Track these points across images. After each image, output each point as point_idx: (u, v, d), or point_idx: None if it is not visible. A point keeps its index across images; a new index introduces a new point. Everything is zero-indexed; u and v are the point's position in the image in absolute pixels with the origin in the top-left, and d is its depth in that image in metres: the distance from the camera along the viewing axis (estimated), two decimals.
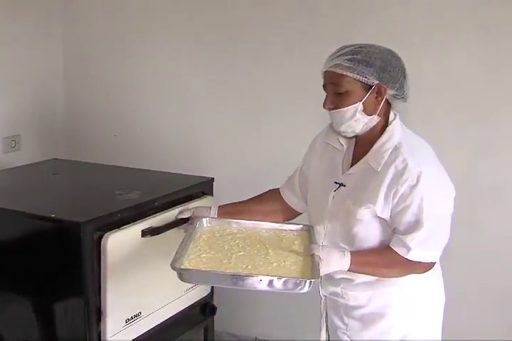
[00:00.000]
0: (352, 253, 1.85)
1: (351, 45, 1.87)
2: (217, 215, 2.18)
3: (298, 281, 1.70)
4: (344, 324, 2.05)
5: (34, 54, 3.38)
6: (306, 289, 1.70)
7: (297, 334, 3.33)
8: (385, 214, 1.87)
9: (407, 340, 1.98)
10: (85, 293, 2.16)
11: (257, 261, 1.85)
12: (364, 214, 1.88)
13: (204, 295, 2.65)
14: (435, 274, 2.02)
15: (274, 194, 2.29)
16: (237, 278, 1.74)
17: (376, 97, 1.86)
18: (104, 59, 3.49)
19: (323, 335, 2.16)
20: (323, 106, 1.91)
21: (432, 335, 2.05)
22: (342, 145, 2.01)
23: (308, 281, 1.69)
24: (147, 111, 3.44)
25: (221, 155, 3.29)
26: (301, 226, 2.10)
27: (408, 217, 1.84)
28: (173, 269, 1.76)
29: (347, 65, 1.82)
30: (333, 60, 1.85)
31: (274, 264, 1.83)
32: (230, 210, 2.21)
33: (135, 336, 2.30)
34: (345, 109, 1.85)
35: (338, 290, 2.03)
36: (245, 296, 3.24)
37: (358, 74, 1.82)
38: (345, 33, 2.92)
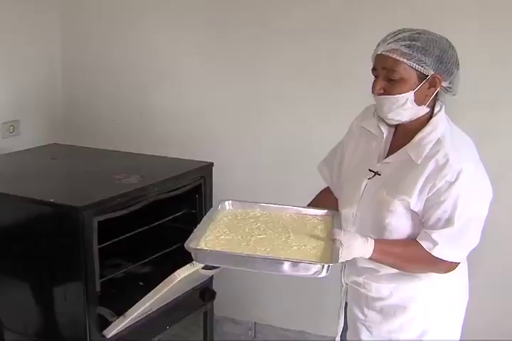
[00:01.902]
0: (376, 241, 1.80)
1: (409, 30, 1.79)
2: None
3: (315, 265, 1.66)
4: (364, 315, 2.00)
5: (32, 39, 3.35)
6: (323, 274, 1.65)
7: (296, 320, 3.35)
8: (418, 208, 1.82)
9: (425, 340, 1.95)
10: (84, 277, 2.16)
11: (277, 244, 1.81)
12: (397, 206, 1.83)
13: (204, 280, 2.65)
14: (461, 271, 1.98)
15: (325, 191, 2.22)
16: (252, 259, 1.71)
17: (429, 88, 1.80)
18: (102, 43, 3.46)
19: (341, 324, 2.11)
20: (372, 91, 1.82)
21: (452, 333, 2.01)
22: (381, 132, 1.94)
23: (326, 265, 1.65)
24: (146, 95, 3.42)
25: (221, 140, 3.27)
26: (325, 211, 2.04)
27: (439, 213, 1.79)
28: (188, 250, 1.73)
29: (405, 51, 1.74)
30: (389, 44, 1.77)
31: (294, 248, 1.78)
32: None
33: (135, 321, 2.30)
34: (396, 96, 1.78)
35: (360, 280, 1.98)
36: (244, 281, 3.25)
37: (415, 62, 1.74)
38: (346, 16, 2.91)
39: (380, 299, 1.96)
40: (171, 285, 2.10)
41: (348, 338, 2.10)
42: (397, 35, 1.78)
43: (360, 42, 2.83)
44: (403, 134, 1.89)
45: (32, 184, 2.44)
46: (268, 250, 1.76)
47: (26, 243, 2.27)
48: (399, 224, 1.86)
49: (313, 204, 2.17)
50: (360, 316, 2.01)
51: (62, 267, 2.21)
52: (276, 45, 3.08)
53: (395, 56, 1.75)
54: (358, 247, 1.77)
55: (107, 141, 3.30)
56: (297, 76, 3.07)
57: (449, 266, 1.86)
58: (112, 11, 3.41)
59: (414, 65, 1.75)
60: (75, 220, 2.11)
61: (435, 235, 1.79)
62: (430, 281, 1.92)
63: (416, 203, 1.81)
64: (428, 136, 1.83)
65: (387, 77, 1.78)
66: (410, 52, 1.74)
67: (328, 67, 3.00)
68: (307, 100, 3.07)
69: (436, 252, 1.80)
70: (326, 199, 2.16)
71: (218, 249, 1.77)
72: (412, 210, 1.83)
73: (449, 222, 1.78)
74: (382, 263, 1.88)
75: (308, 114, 3.09)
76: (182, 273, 2.09)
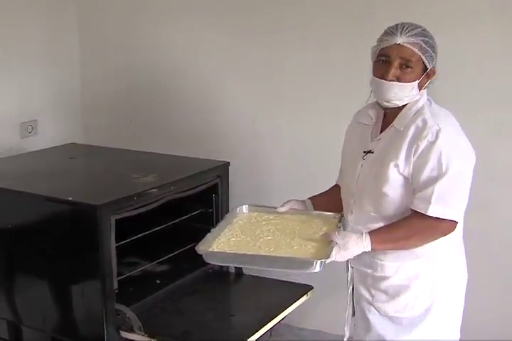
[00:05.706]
0: (370, 233, 1.94)
1: (417, 26, 1.96)
2: (313, 207, 2.24)
3: (308, 261, 1.83)
4: (371, 295, 2.10)
5: (50, 39, 3.39)
6: (317, 269, 1.82)
7: (312, 319, 3.35)
8: (407, 172, 1.94)
9: (430, 316, 2.03)
10: (102, 274, 2.18)
11: (281, 244, 1.96)
12: (391, 172, 1.95)
13: None
14: (460, 248, 2.10)
15: (331, 190, 2.33)
16: (253, 258, 1.90)
17: (424, 78, 1.99)
18: (120, 43, 3.48)
19: (350, 309, 2.20)
20: (383, 76, 1.97)
21: (455, 311, 2.10)
22: (372, 118, 2.10)
23: (319, 261, 1.81)
24: (163, 96, 3.43)
25: (236, 140, 3.28)
26: (332, 214, 2.17)
27: (427, 172, 1.91)
28: (198, 252, 1.90)
29: (424, 46, 1.94)
30: (408, 37, 1.93)
31: (295, 248, 1.94)
32: (317, 201, 2.26)
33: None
34: (406, 84, 1.96)
35: (367, 259, 2.06)
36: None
37: (427, 58, 1.95)
38: (356, 10, 2.92)
39: (385, 278, 2.05)
40: None
41: (356, 319, 2.18)
42: (411, 29, 1.95)
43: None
44: (392, 116, 2.04)
45: (50, 183, 2.47)
46: (271, 250, 1.93)
47: (44, 241, 2.30)
48: (395, 193, 1.97)
49: (317, 197, 2.28)
50: (368, 296, 2.11)
51: (80, 265, 2.23)
52: (293, 44, 3.07)
53: (415, 49, 1.94)
54: (353, 244, 1.92)
55: (124, 140, 3.32)
56: (316, 74, 3.06)
57: (447, 227, 1.94)
58: (129, 11, 3.43)
59: (425, 60, 1.96)
60: (92, 218, 2.14)
61: (426, 193, 1.91)
62: (433, 258, 2.02)
63: (404, 166, 1.94)
64: (409, 109, 2.00)
65: (400, 65, 1.95)
66: (427, 48, 1.95)
67: (347, 65, 3.00)
68: (323, 99, 3.07)
69: (431, 211, 1.90)
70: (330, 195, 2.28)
71: (227, 250, 1.93)
72: (404, 176, 1.95)
73: (436, 178, 1.90)
74: (386, 250, 2.00)
75: (325, 114, 3.09)
76: None
